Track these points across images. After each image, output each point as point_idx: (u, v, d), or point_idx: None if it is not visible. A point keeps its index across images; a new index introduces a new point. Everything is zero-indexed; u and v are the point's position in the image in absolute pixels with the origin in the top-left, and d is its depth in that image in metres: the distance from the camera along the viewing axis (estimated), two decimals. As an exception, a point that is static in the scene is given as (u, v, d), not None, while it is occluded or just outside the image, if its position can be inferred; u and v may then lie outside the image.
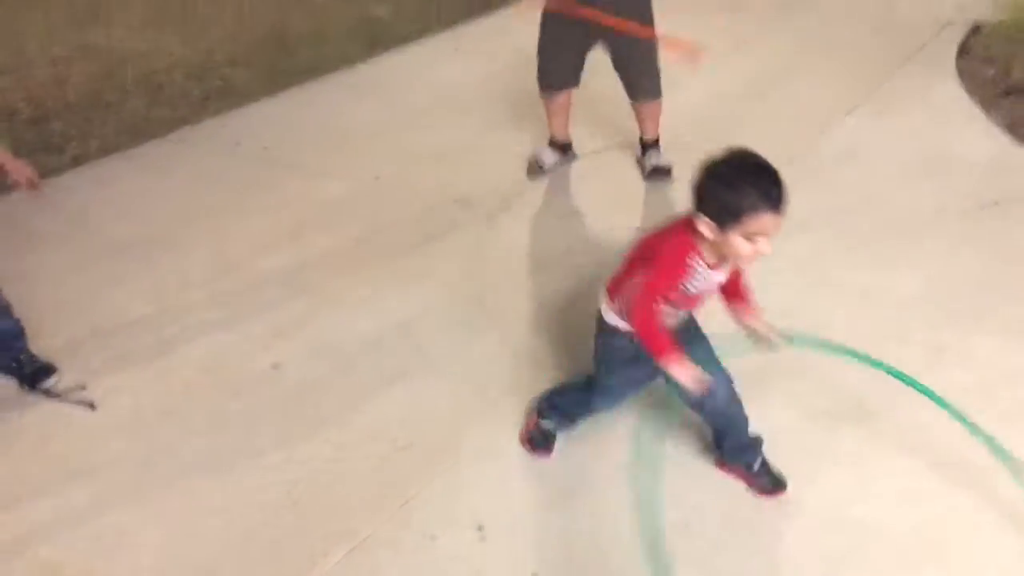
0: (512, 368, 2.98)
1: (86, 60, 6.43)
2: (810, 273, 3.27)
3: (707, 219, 2.07)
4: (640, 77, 3.99)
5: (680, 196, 3.91)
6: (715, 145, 2.10)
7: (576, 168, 4.36)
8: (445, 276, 3.54)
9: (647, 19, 3.78)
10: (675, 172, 4.04)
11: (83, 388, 2.93)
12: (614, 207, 4.01)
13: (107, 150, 4.83)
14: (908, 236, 3.52)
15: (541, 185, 4.24)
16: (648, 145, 4.20)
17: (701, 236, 2.12)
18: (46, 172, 4.63)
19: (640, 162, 4.24)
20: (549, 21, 3.94)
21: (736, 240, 2.06)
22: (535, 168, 4.29)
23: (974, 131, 4.33)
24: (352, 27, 6.73)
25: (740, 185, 2.04)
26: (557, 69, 4.04)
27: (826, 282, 3.25)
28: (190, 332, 3.27)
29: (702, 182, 2.10)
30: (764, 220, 2.03)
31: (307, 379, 3.00)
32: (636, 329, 2.26)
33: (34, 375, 2.96)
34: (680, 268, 2.18)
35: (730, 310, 2.39)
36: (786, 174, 2.02)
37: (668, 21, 3.83)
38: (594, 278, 3.33)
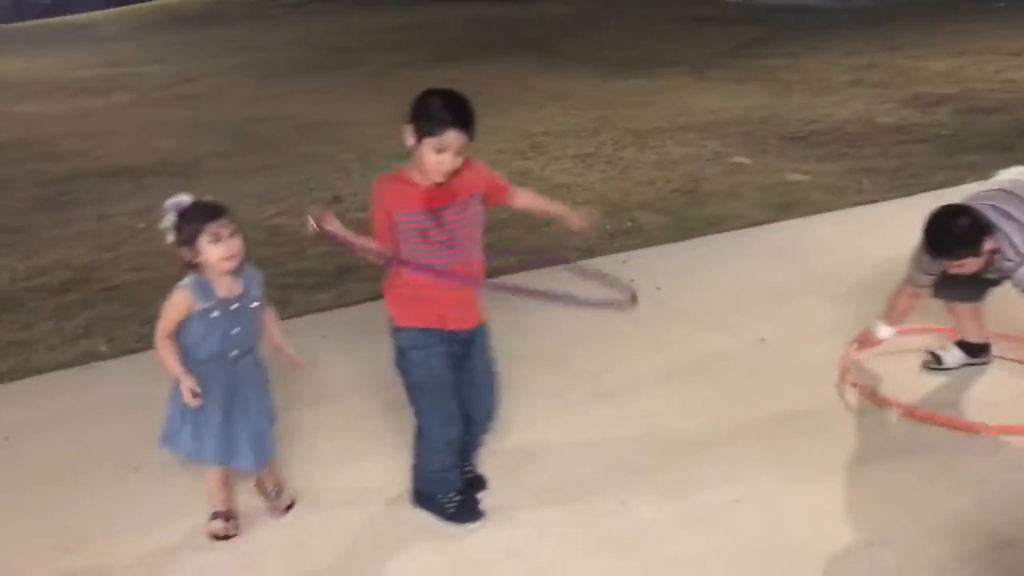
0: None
1: (523, 185, 7.19)
2: None
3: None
4: None
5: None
6: None
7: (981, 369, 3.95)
8: (809, 455, 3.36)
9: None
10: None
11: None
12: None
13: (505, 271, 5.29)
14: None
15: (936, 380, 3.90)
16: None
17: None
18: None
19: None
20: None
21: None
22: (932, 363, 3.97)
23: None
24: (766, 189, 6.83)
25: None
26: (958, 285, 3.75)
27: None
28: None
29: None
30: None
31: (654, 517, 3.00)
32: None
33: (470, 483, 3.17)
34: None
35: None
36: None
37: None
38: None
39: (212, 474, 3.06)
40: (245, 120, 10.84)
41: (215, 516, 3.08)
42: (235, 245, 2.80)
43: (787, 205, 6.42)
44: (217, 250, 2.77)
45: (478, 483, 3.22)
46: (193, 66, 15.95)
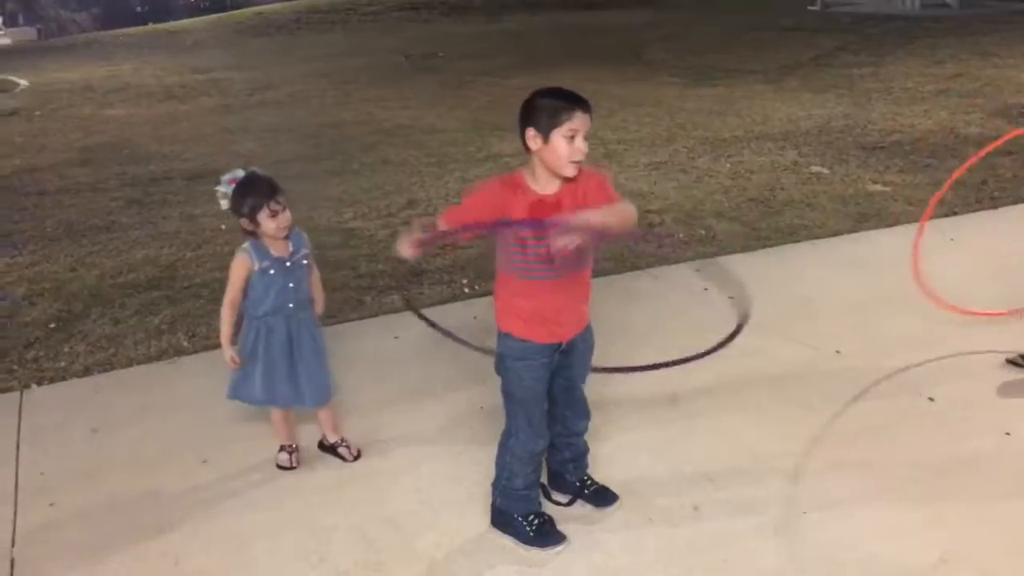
0: None
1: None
2: None
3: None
4: None
5: None
6: None
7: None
8: (884, 469, 3.29)
9: None
10: None
11: None
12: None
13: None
14: None
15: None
16: None
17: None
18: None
19: None
20: None
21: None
22: (1018, 359, 3.89)
23: None
24: (844, 199, 6.71)
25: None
26: None
27: None
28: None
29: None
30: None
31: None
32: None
33: (597, 495, 3.18)
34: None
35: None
36: None
37: None
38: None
39: (276, 415, 3.49)
40: (325, 125, 11.07)
41: (281, 449, 3.55)
42: (288, 218, 3.22)
43: (866, 216, 6.29)
44: (274, 222, 3.18)
45: (606, 495, 3.16)
46: (277, 72, 16.36)
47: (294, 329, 3.33)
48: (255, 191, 3.17)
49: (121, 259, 6.21)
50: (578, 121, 2.61)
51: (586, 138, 2.65)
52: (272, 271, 3.23)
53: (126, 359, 4.64)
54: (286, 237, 3.26)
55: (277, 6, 29.85)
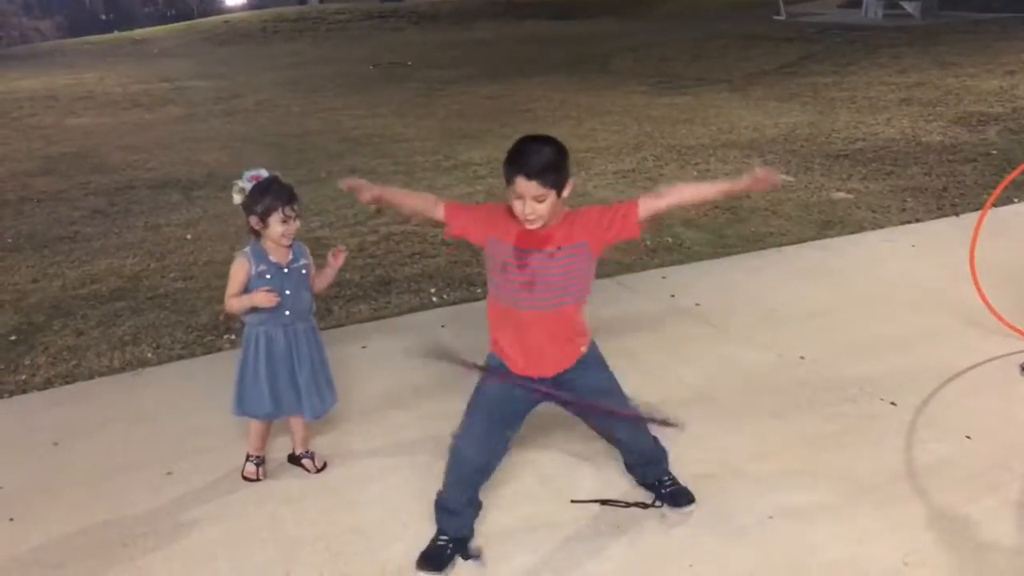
0: None
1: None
2: None
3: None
4: None
5: None
6: None
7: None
8: (847, 474, 3.32)
9: None
10: None
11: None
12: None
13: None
14: None
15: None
16: None
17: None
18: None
19: None
20: None
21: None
22: None
23: None
24: (808, 206, 6.78)
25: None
26: None
27: None
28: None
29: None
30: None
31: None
32: None
33: (673, 496, 3.17)
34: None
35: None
36: None
37: None
38: None
39: (257, 424, 3.44)
40: (293, 134, 11.03)
41: (248, 459, 3.51)
42: (296, 228, 3.22)
43: (830, 223, 6.36)
44: (282, 228, 3.17)
45: (682, 496, 3.16)
46: (244, 81, 16.28)
47: (292, 339, 3.29)
48: (275, 192, 3.16)
49: (84, 269, 6.13)
50: (520, 187, 2.59)
51: (539, 200, 2.59)
52: (268, 275, 3.21)
53: (88, 371, 4.58)
54: (288, 246, 3.26)
55: (244, 15, 29.72)
